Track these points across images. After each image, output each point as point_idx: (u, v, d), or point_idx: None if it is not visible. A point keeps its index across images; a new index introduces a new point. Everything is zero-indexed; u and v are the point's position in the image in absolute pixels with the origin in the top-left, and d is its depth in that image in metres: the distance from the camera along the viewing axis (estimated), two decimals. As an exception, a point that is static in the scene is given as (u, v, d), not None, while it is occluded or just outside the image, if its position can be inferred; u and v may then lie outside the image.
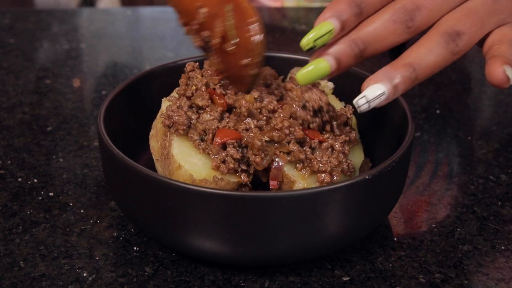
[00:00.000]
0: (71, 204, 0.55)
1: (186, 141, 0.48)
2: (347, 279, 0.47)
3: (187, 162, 0.47)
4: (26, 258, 0.48)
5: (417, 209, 0.55)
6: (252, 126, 0.47)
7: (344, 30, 0.45)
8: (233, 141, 0.46)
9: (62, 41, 0.92)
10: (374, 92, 0.44)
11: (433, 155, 0.64)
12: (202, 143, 0.47)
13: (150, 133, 0.53)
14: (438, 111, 0.73)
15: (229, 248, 0.44)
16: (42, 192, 0.56)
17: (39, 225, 0.52)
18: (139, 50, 0.92)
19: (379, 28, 0.45)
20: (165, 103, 0.52)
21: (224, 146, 0.47)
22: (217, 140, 0.46)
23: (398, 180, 0.48)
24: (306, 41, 0.45)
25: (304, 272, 0.47)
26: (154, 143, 0.52)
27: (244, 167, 0.47)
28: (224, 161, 0.46)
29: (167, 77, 0.55)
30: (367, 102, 0.44)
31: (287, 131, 0.47)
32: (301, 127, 0.47)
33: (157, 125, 0.51)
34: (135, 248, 0.50)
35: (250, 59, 0.47)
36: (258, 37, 0.47)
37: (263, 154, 0.46)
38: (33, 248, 0.50)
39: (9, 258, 0.48)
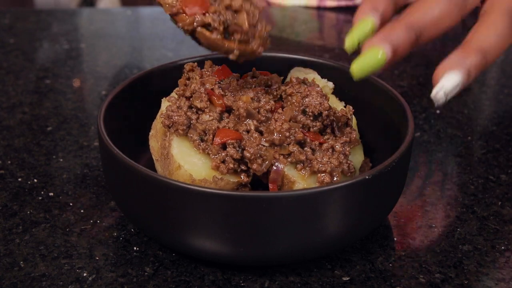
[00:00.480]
0: (71, 204, 0.55)
1: (186, 141, 0.48)
2: (347, 279, 0.47)
3: (187, 162, 0.47)
4: (26, 258, 0.48)
5: (417, 209, 0.55)
6: (252, 127, 0.47)
7: (384, 22, 0.43)
8: (233, 141, 0.46)
9: (62, 41, 0.92)
10: (452, 83, 0.41)
11: (433, 155, 0.64)
12: (202, 143, 0.47)
13: (150, 133, 0.53)
14: (438, 111, 0.73)
15: (229, 248, 0.44)
16: (42, 192, 0.56)
17: (39, 225, 0.52)
18: (139, 50, 0.92)
19: (434, 11, 0.43)
20: (165, 103, 0.52)
21: (224, 146, 0.47)
22: (217, 140, 0.46)
23: (398, 180, 0.48)
24: (350, 42, 0.43)
25: (304, 272, 0.47)
26: (154, 143, 0.52)
27: (244, 167, 0.47)
28: (224, 161, 0.46)
29: (167, 77, 0.55)
30: (445, 94, 0.42)
31: (287, 134, 0.47)
32: (301, 130, 0.47)
33: (157, 125, 0.52)
34: (135, 248, 0.50)
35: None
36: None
37: (260, 160, 0.46)
38: (33, 248, 0.50)
39: (9, 258, 0.48)
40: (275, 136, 0.46)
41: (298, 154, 0.46)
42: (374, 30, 0.43)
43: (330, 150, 0.48)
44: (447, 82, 0.41)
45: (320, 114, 0.48)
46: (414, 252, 0.50)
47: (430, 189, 0.58)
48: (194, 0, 0.45)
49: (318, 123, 0.48)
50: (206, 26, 0.46)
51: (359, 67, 0.42)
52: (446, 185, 0.59)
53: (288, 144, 0.47)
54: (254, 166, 0.46)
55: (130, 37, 0.95)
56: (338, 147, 0.48)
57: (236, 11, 0.46)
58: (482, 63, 0.42)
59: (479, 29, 0.44)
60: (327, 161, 0.46)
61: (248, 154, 0.46)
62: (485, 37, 0.43)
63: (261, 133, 0.48)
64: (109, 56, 0.88)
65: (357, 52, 0.43)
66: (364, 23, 0.43)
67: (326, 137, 0.49)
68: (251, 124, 0.47)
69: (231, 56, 0.47)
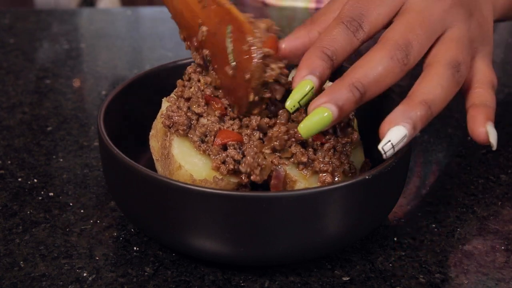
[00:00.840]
0: (71, 204, 0.55)
1: (187, 141, 0.48)
2: (347, 279, 0.47)
3: (187, 162, 0.47)
4: (26, 258, 0.48)
5: (417, 209, 0.55)
6: (256, 137, 0.47)
7: (322, 84, 0.45)
8: (233, 142, 0.46)
9: (62, 41, 0.92)
10: (398, 135, 0.42)
11: (433, 155, 0.64)
12: (202, 144, 0.47)
13: (150, 133, 0.53)
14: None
15: (229, 248, 0.44)
16: (42, 192, 0.56)
17: (39, 225, 0.52)
18: (139, 50, 0.92)
19: (377, 69, 0.43)
20: (165, 104, 0.52)
21: (224, 147, 0.47)
22: (218, 141, 0.46)
23: (398, 180, 0.48)
24: (291, 103, 0.44)
25: (304, 272, 0.47)
26: (154, 143, 0.52)
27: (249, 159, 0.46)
28: (224, 162, 0.46)
29: (167, 77, 0.55)
30: (393, 147, 0.43)
31: (285, 137, 0.47)
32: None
33: (157, 125, 0.52)
34: (135, 248, 0.50)
35: (249, 81, 0.46)
36: (256, 61, 0.45)
37: (258, 170, 0.46)
38: (33, 248, 0.50)
39: (9, 258, 0.48)
40: (276, 143, 0.46)
41: (300, 155, 0.46)
42: (313, 92, 0.44)
43: (332, 150, 0.48)
44: (394, 135, 0.42)
45: None
46: (414, 252, 0.50)
47: (430, 189, 0.58)
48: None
49: None
50: None
51: (306, 128, 0.42)
52: (446, 185, 0.59)
53: (290, 146, 0.47)
54: (253, 177, 0.46)
55: (130, 37, 0.95)
56: (339, 147, 0.48)
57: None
58: (427, 115, 0.43)
59: (423, 82, 0.45)
60: (329, 161, 0.46)
61: (244, 168, 0.45)
62: (429, 89, 0.44)
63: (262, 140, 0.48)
64: (109, 56, 0.88)
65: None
66: (303, 85, 0.44)
67: (327, 137, 0.49)
68: (257, 135, 0.47)
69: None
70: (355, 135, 0.50)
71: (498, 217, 0.54)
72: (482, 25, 0.51)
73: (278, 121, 0.48)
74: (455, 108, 0.73)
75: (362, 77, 0.43)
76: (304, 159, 0.46)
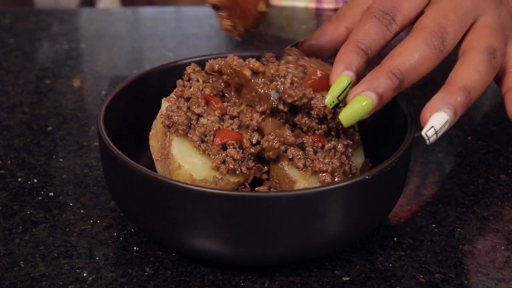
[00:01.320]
0: (71, 204, 0.55)
1: (186, 141, 0.48)
2: (347, 279, 0.47)
3: (187, 162, 0.47)
4: (26, 258, 0.48)
5: (417, 209, 0.55)
6: (254, 139, 0.47)
7: (359, 78, 0.45)
8: (233, 142, 0.46)
9: (62, 41, 0.92)
10: (440, 121, 0.43)
11: (433, 155, 0.64)
12: (202, 144, 0.47)
13: (150, 133, 0.53)
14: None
15: (229, 248, 0.44)
16: (42, 192, 0.56)
17: (39, 225, 0.52)
18: (139, 50, 0.92)
19: (414, 56, 0.44)
20: (165, 103, 0.52)
21: (224, 147, 0.47)
22: (217, 140, 0.46)
23: (398, 180, 0.48)
24: (330, 99, 0.45)
25: (304, 272, 0.47)
26: (154, 143, 0.52)
27: (244, 169, 0.46)
28: (224, 162, 0.46)
29: (167, 77, 0.55)
30: (436, 132, 0.43)
31: (276, 145, 0.46)
32: (290, 133, 0.47)
33: (157, 125, 0.51)
34: (135, 248, 0.50)
35: None
36: None
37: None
38: (33, 248, 0.50)
39: (9, 258, 0.48)
40: (270, 153, 0.47)
41: (297, 161, 0.46)
42: (351, 86, 0.44)
43: (333, 151, 0.48)
44: (436, 121, 0.43)
45: (325, 117, 0.48)
46: (414, 252, 0.50)
47: (430, 189, 0.58)
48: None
49: (323, 126, 0.48)
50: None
51: (347, 117, 0.44)
52: (446, 185, 0.59)
53: (286, 152, 0.47)
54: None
55: (130, 37, 0.95)
56: (340, 147, 0.47)
57: None
58: (467, 101, 0.44)
59: (460, 68, 0.45)
60: (329, 161, 0.46)
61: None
62: (467, 75, 0.45)
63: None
64: (109, 56, 0.88)
65: None
66: (340, 81, 0.45)
67: (329, 138, 0.49)
68: (256, 136, 0.47)
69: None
70: (357, 136, 0.50)
71: (498, 217, 0.54)
72: (511, 12, 0.51)
73: (265, 132, 0.47)
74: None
75: (400, 64, 0.44)
76: (301, 164, 0.46)
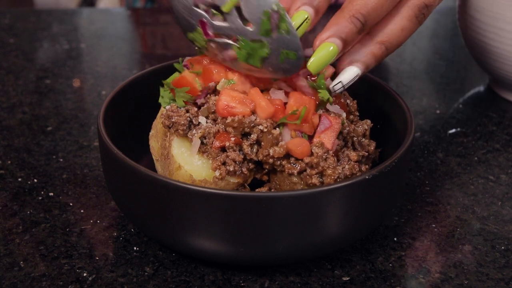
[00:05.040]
0: (71, 204, 0.55)
1: (186, 141, 0.48)
2: (347, 279, 0.47)
3: (187, 162, 0.47)
4: (26, 258, 0.48)
5: (417, 209, 0.55)
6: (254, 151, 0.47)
7: (320, 12, 0.46)
8: (233, 144, 0.46)
9: (62, 41, 0.92)
10: (350, 76, 0.46)
11: (433, 155, 0.64)
12: (202, 146, 0.47)
13: (150, 133, 0.53)
14: (438, 111, 0.73)
15: (229, 248, 0.44)
16: (42, 192, 0.56)
17: (39, 225, 0.52)
18: (139, 50, 0.92)
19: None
20: (165, 103, 0.52)
21: (223, 149, 0.47)
22: (216, 143, 0.46)
23: (398, 180, 0.48)
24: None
25: (304, 272, 0.47)
26: (154, 143, 0.52)
27: (245, 170, 0.46)
28: (224, 163, 0.46)
29: (167, 77, 0.55)
30: (343, 86, 0.46)
31: (271, 161, 0.46)
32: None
33: (157, 125, 0.51)
34: (135, 248, 0.50)
35: None
36: None
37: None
38: (33, 248, 0.50)
39: (9, 258, 0.48)
40: (266, 167, 0.47)
41: (290, 168, 0.46)
42: (309, 22, 0.45)
43: (346, 159, 0.47)
44: (345, 77, 0.46)
45: (341, 132, 0.48)
46: (414, 252, 0.50)
47: (430, 189, 0.58)
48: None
49: (340, 142, 0.48)
50: None
51: (315, 64, 0.45)
52: (446, 185, 0.59)
53: (283, 166, 0.47)
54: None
55: (130, 37, 0.95)
56: (353, 155, 0.47)
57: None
58: (382, 55, 0.46)
59: (385, 23, 0.47)
60: (341, 172, 0.46)
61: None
62: (390, 31, 0.46)
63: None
64: (109, 56, 0.88)
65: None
66: (299, 14, 0.45)
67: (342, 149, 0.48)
68: (255, 148, 0.47)
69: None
70: (372, 146, 0.49)
71: (498, 217, 0.54)
72: None
73: (263, 146, 0.47)
74: (456, 109, 0.73)
75: (361, 7, 0.44)
76: (295, 171, 0.46)
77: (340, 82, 0.46)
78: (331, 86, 0.46)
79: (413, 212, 0.55)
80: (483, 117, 0.72)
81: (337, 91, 0.46)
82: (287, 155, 0.46)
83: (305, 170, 0.46)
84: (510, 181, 0.59)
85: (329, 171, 0.45)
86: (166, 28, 0.98)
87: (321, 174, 0.46)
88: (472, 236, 0.52)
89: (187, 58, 0.53)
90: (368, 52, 0.46)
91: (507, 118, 0.72)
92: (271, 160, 0.46)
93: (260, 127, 0.46)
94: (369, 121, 0.51)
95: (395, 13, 0.46)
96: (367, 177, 0.43)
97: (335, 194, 0.42)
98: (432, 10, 0.47)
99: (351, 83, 0.46)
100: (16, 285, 0.46)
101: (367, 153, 0.49)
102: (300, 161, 0.46)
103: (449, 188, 0.58)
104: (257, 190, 0.48)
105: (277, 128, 0.47)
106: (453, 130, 0.68)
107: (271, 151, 0.46)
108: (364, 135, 0.50)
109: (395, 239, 0.51)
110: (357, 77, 0.46)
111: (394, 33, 0.46)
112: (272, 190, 0.48)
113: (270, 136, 0.46)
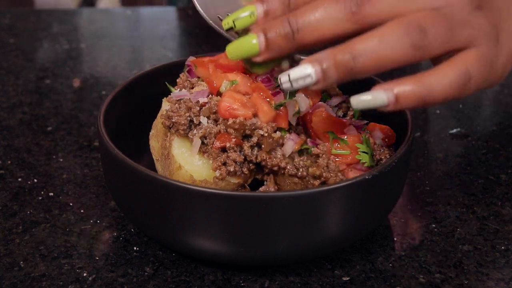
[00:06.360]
0: (71, 204, 0.55)
1: (187, 141, 0.48)
2: (347, 279, 0.47)
3: (187, 162, 0.47)
4: (26, 258, 0.48)
5: (417, 209, 0.55)
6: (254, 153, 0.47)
7: (268, 17, 0.42)
8: (233, 145, 0.46)
9: (62, 41, 0.92)
10: (298, 73, 0.40)
11: (433, 155, 0.64)
12: (203, 146, 0.47)
13: (150, 133, 0.53)
14: (438, 111, 0.73)
15: (229, 248, 0.44)
16: (42, 192, 0.56)
17: (39, 225, 0.52)
18: (139, 50, 0.92)
19: (316, 11, 0.40)
20: (165, 103, 0.52)
21: (223, 150, 0.47)
22: (217, 144, 0.46)
23: (398, 180, 0.48)
24: (225, 22, 0.43)
25: (304, 272, 0.47)
26: (155, 143, 0.52)
27: (245, 170, 0.46)
28: (225, 163, 0.46)
29: (167, 77, 0.55)
30: (289, 81, 0.40)
31: (269, 165, 0.46)
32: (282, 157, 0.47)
33: (158, 125, 0.51)
34: (135, 248, 0.50)
35: None
36: None
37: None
38: (33, 248, 0.50)
39: (9, 258, 0.48)
40: (266, 171, 0.47)
41: (291, 170, 0.46)
42: (254, 17, 0.42)
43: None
44: (294, 71, 0.40)
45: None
46: (414, 252, 0.50)
47: (430, 189, 0.58)
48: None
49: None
50: None
51: (232, 48, 0.42)
52: (446, 185, 0.59)
53: (284, 172, 0.47)
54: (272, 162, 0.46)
55: (130, 37, 0.95)
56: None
57: None
58: (347, 66, 0.39)
59: (368, 34, 0.39)
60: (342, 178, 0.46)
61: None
62: (368, 41, 0.39)
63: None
64: (109, 56, 0.88)
65: None
66: (244, 9, 0.43)
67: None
68: (255, 151, 0.47)
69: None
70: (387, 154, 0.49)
71: (498, 217, 0.54)
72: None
73: (264, 148, 0.47)
74: (456, 108, 0.73)
75: (300, 14, 0.40)
76: (293, 172, 0.46)
77: (288, 74, 0.40)
78: (278, 76, 0.41)
79: (413, 212, 0.55)
80: (483, 117, 0.72)
81: (284, 86, 0.41)
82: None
83: (306, 177, 0.46)
84: (510, 181, 0.59)
85: (331, 181, 0.46)
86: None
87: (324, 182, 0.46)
88: (472, 236, 0.52)
89: (191, 58, 0.53)
90: (331, 55, 0.39)
91: (507, 118, 0.72)
92: (270, 165, 0.46)
93: (261, 131, 0.46)
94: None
95: (380, 28, 0.39)
96: (367, 177, 0.43)
97: (335, 194, 0.42)
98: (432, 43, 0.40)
99: (300, 84, 0.40)
100: (16, 285, 0.46)
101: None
102: (301, 169, 0.46)
103: (449, 188, 0.58)
104: (261, 188, 0.48)
105: (278, 132, 0.47)
106: (453, 130, 0.68)
107: (274, 160, 0.46)
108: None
109: (395, 239, 0.51)
110: (309, 79, 0.40)
111: (372, 44, 0.39)
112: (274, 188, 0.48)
113: (271, 139, 0.46)
